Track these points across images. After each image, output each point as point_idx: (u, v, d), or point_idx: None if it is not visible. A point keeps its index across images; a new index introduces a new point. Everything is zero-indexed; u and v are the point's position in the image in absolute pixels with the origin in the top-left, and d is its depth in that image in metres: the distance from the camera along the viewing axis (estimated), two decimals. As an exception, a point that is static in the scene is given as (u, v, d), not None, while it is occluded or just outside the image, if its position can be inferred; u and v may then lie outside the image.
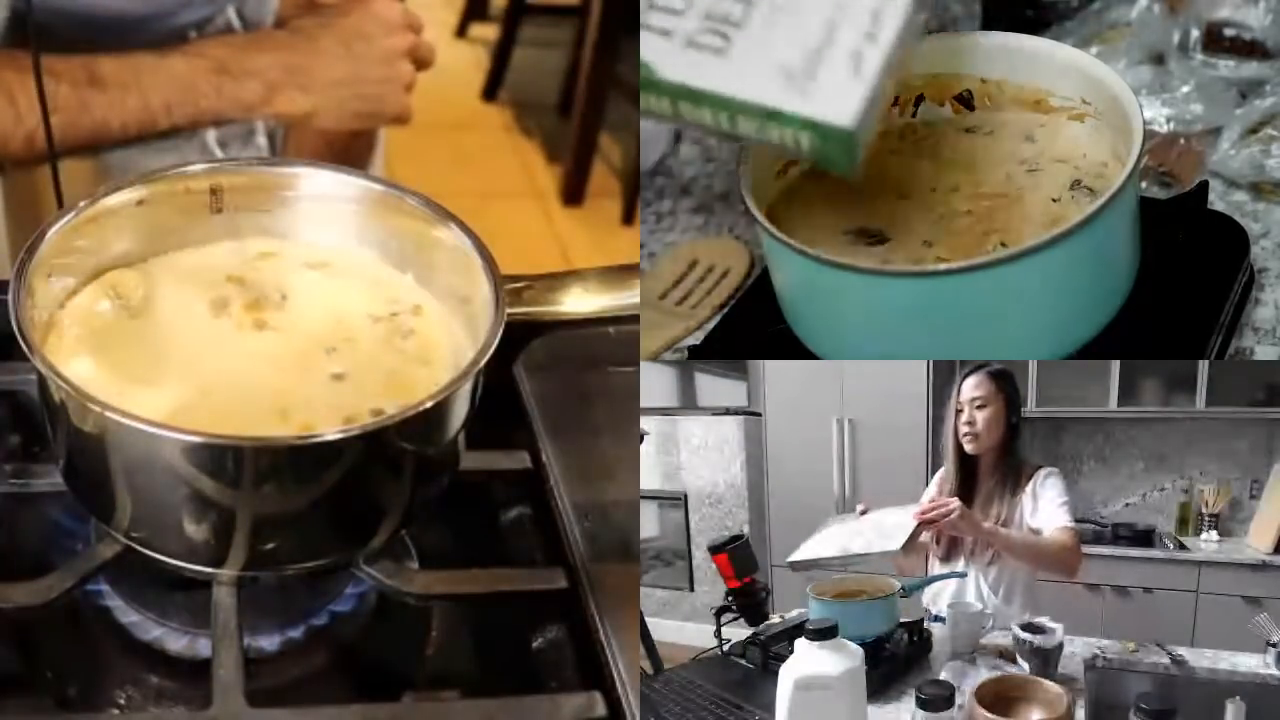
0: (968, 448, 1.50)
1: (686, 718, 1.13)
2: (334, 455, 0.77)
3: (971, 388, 1.49)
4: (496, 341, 0.82)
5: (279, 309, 0.91)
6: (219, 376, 0.85)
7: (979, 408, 1.48)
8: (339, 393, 0.85)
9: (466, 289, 0.90)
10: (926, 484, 1.62)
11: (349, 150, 1.38)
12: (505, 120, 3.75)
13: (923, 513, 1.36)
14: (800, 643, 0.93)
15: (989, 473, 1.51)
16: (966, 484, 1.51)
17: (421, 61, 1.34)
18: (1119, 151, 0.98)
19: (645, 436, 2.46)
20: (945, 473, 1.55)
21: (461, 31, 4.07)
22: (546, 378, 1.06)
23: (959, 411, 1.50)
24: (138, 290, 0.90)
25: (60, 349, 0.85)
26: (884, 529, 1.38)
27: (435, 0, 4.01)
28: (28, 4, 0.99)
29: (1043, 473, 1.47)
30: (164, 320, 0.89)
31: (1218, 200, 1.25)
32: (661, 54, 0.90)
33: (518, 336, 0.99)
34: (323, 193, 0.96)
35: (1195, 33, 1.35)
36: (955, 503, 1.37)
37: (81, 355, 0.85)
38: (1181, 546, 2.55)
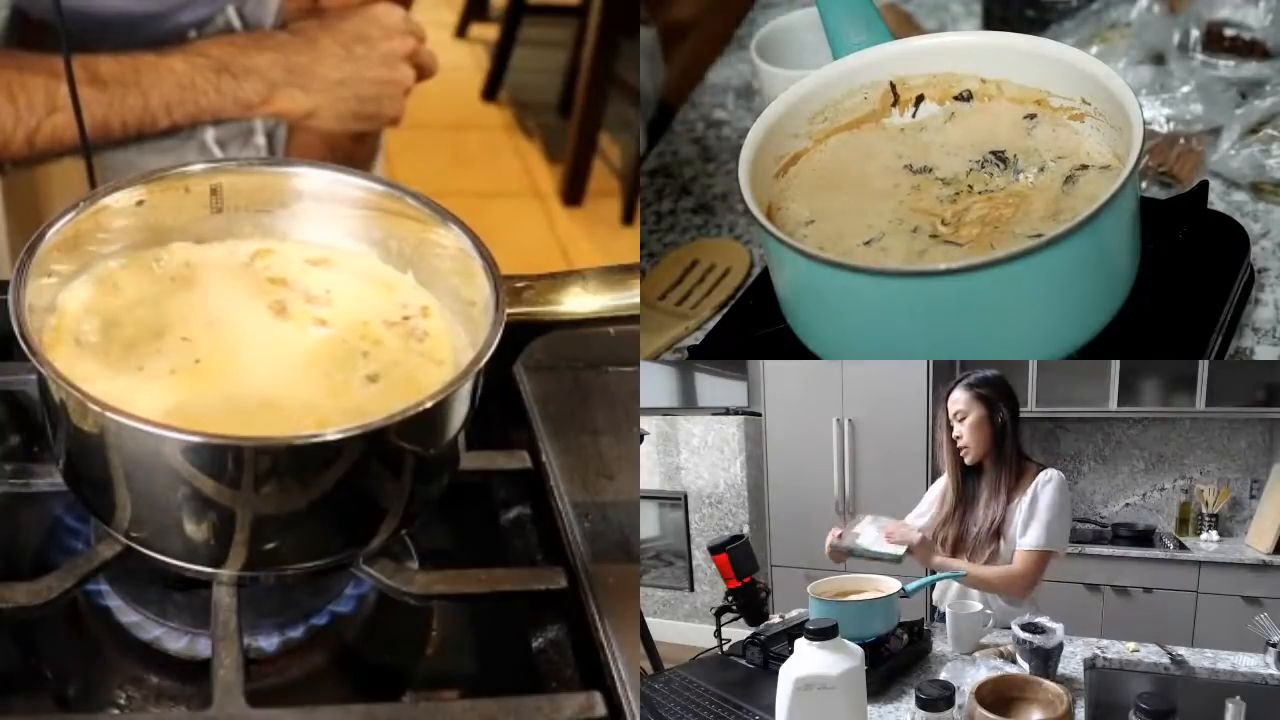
0: (965, 459, 1.51)
1: (686, 718, 1.13)
2: (334, 455, 0.77)
3: (951, 403, 1.51)
4: (496, 341, 0.82)
5: (328, 304, 0.92)
6: (227, 374, 0.85)
7: (960, 420, 1.50)
8: (372, 397, 0.85)
9: (467, 289, 0.90)
10: (927, 483, 1.62)
11: (351, 154, 1.38)
12: (505, 120, 3.75)
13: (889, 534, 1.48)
14: (800, 643, 0.94)
15: (986, 476, 1.51)
16: (970, 490, 1.52)
17: (424, 69, 1.34)
18: (1119, 151, 0.98)
19: (645, 436, 2.46)
20: (944, 486, 1.56)
21: (461, 31, 4.07)
22: (546, 378, 1.06)
23: (950, 428, 1.52)
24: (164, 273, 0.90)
25: (60, 348, 0.84)
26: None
27: (435, 0, 4.01)
28: (59, 9, 0.99)
29: (1043, 477, 1.47)
30: (172, 317, 0.89)
31: (1218, 200, 1.25)
32: None
33: (518, 336, 0.99)
34: (323, 193, 0.96)
35: (1195, 33, 1.35)
36: (916, 536, 1.47)
37: (82, 354, 0.84)
38: (1181, 546, 2.55)
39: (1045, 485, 1.46)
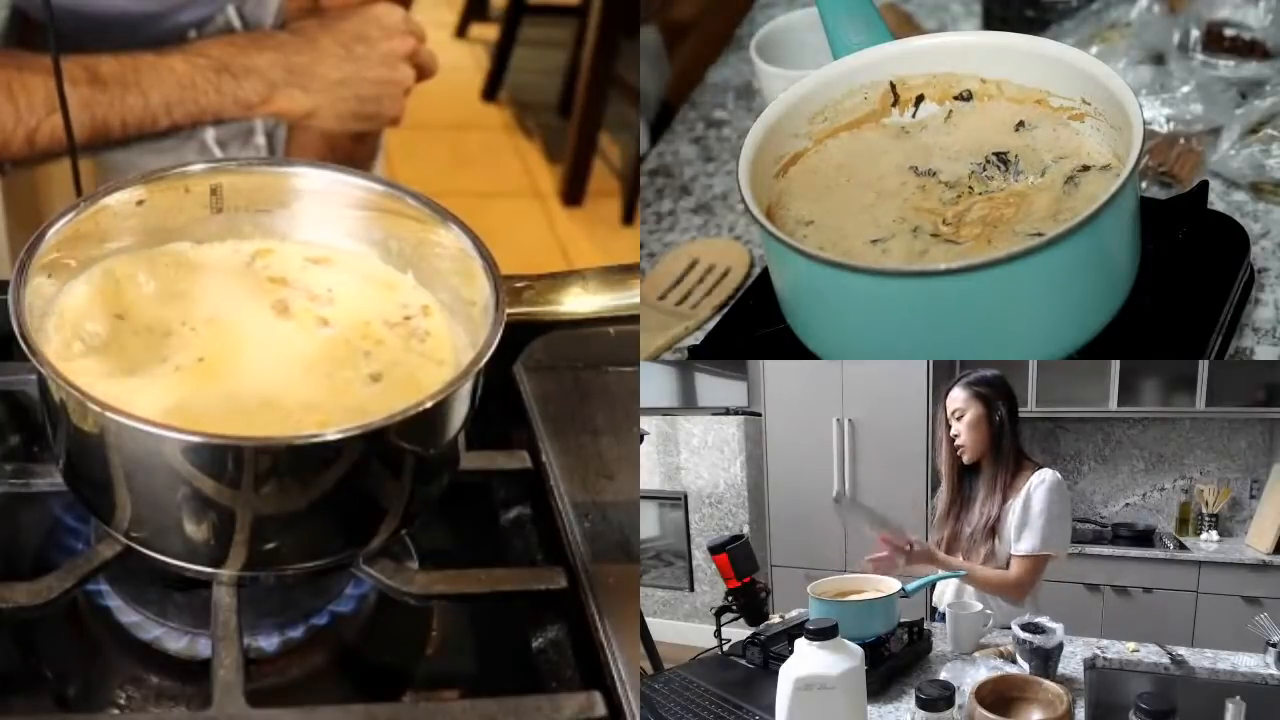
0: (964, 458, 1.52)
1: (686, 718, 1.13)
2: (334, 455, 0.77)
3: (950, 401, 1.52)
4: (496, 341, 0.82)
5: (330, 304, 0.92)
6: (226, 376, 0.85)
7: (959, 418, 1.50)
8: (373, 397, 0.85)
9: (467, 289, 0.90)
10: (927, 483, 1.63)
11: (351, 154, 1.38)
12: (505, 120, 3.75)
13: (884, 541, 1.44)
14: (800, 643, 0.94)
15: (983, 475, 1.51)
16: (967, 489, 1.52)
17: (424, 69, 1.34)
18: (1119, 151, 0.98)
19: (645, 436, 2.46)
20: (942, 490, 1.56)
21: (461, 31, 4.07)
22: (546, 378, 1.06)
23: (948, 427, 1.52)
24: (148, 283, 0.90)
25: (61, 348, 0.84)
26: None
27: (435, 0, 4.01)
28: (48, 8, 0.99)
29: (1037, 478, 1.47)
30: (173, 317, 0.89)
31: (1218, 200, 1.25)
32: None
33: (518, 336, 0.99)
34: (323, 193, 0.96)
35: (1195, 33, 1.35)
36: (913, 543, 1.44)
37: (82, 354, 0.84)
38: (1181, 546, 2.55)
39: (1038, 487, 1.46)
